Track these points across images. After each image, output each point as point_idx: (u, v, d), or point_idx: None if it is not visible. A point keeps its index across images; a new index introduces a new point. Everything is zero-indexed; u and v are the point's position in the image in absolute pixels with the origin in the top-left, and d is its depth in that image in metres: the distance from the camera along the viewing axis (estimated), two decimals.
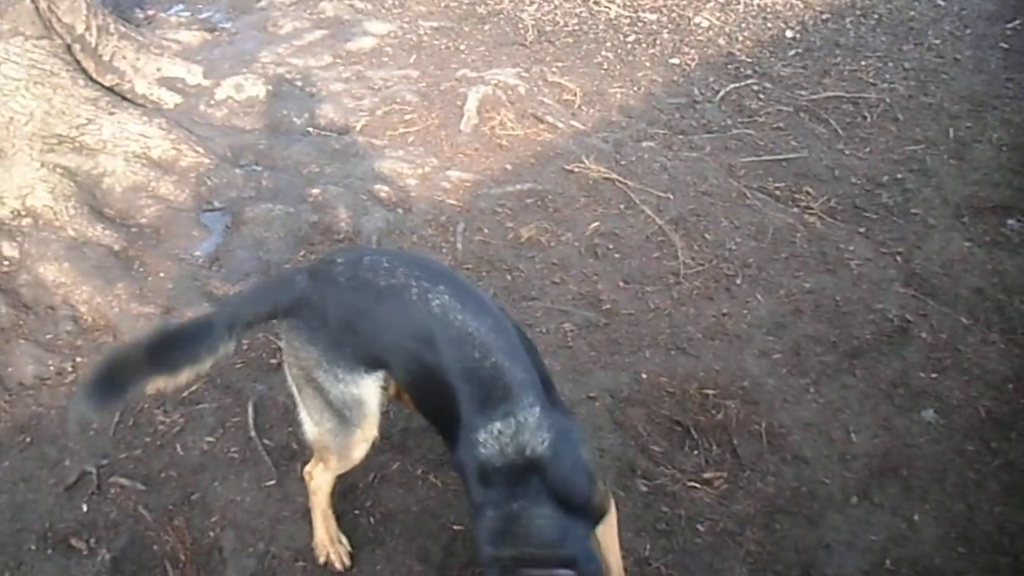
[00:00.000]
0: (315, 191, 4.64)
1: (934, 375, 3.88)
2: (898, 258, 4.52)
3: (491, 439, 2.42)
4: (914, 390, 3.80)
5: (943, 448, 3.57)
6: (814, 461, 3.48)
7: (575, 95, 5.72)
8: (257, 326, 2.90)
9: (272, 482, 3.28)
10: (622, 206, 4.77)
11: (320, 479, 2.95)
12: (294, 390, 2.81)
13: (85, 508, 3.17)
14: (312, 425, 2.80)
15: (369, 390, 2.68)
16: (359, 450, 2.83)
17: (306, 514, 3.09)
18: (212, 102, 5.26)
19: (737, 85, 5.93)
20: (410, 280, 2.58)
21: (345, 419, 2.72)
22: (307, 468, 2.97)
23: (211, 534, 3.11)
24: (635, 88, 5.87)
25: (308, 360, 2.67)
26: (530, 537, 2.40)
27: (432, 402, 2.67)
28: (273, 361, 3.71)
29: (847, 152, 5.33)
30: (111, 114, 4.58)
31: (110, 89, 4.81)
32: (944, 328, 4.11)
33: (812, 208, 4.82)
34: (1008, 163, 5.30)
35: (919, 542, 3.21)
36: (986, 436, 3.62)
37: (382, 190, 4.71)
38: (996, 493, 3.40)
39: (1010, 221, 4.83)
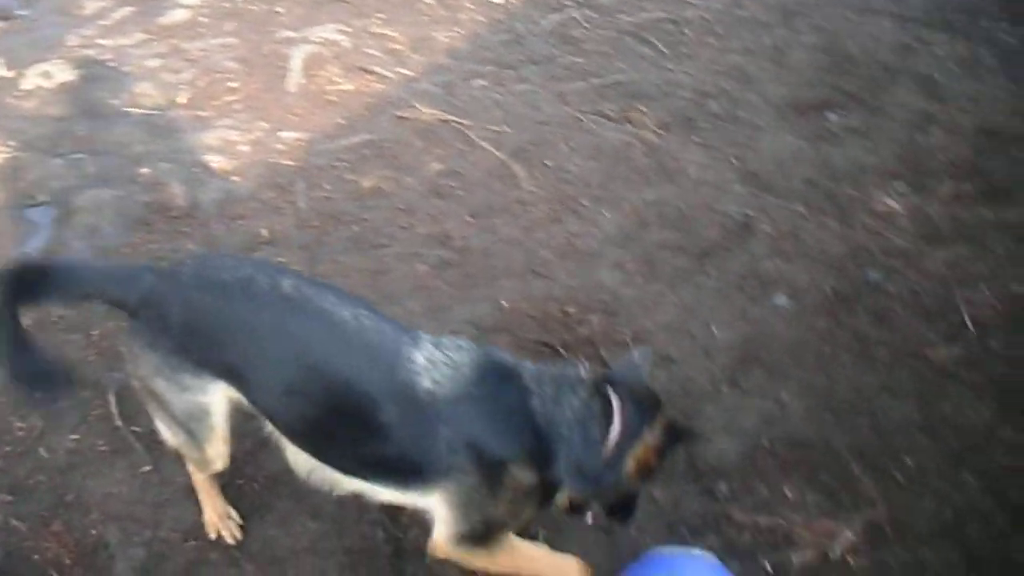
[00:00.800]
0: (145, 170, 4.46)
1: (780, 263, 4.08)
2: (733, 160, 4.70)
3: (436, 372, 2.31)
4: (764, 280, 4.00)
5: (797, 329, 3.78)
6: (681, 360, 3.62)
7: (401, 44, 5.65)
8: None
9: (148, 468, 3.18)
10: (460, 145, 4.77)
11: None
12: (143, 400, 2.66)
13: None
14: (168, 434, 2.69)
15: (215, 398, 2.50)
16: (217, 463, 2.73)
17: (189, 493, 3.02)
18: (18, 93, 4.97)
19: (559, 16, 5.97)
20: (258, 272, 2.42)
21: (192, 433, 2.58)
22: None
23: (93, 532, 3.00)
24: (459, 30, 5.84)
25: (148, 368, 2.48)
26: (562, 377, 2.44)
27: (313, 401, 2.38)
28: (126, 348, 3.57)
29: (673, 69, 5.47)
30: None
31: None
32: (783, 219, 4.32)
33: (646, 124, 4.93)
34: (821, 64, 5.57)
35: (788, 418, 3.41)
36: (834, 312, 3.86)
37: (214, 160, 4.56)
38: (849, 361, 3.65)
39: (830, 115, 5.09)
